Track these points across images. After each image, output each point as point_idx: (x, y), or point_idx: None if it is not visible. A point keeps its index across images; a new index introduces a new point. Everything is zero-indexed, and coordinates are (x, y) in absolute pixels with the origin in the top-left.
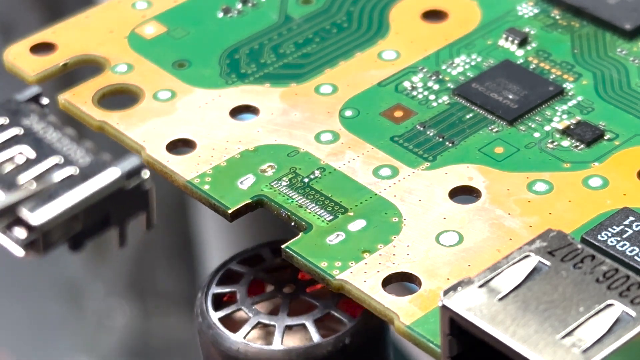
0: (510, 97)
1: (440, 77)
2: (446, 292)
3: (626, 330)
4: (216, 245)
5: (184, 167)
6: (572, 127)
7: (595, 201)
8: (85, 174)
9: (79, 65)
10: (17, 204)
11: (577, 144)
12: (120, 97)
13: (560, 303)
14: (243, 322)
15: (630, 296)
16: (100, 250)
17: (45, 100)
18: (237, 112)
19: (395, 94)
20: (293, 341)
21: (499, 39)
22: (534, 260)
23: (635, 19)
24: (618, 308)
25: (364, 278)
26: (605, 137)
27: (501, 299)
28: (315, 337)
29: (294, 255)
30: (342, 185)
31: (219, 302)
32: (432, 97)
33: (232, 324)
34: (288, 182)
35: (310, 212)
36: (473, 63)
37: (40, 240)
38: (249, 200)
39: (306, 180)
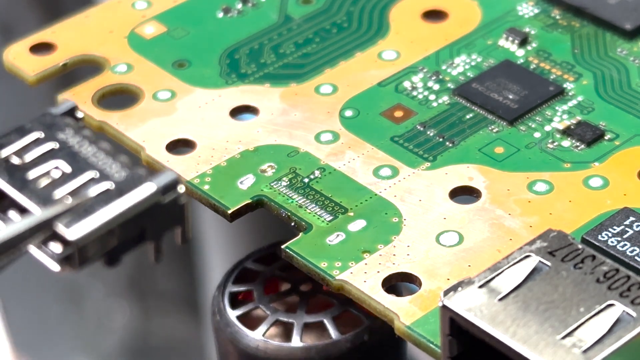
0: (511, 97)
1: (441, 77)
2: (446, 293)
3: (627, 330)
4: (216, 245)
5: (184, 167)
6: (572, 127)
7: (596, 201)
8: (121, 189)
9: (78, 65)
10: (53, 219)
11: (578, 144)
12: (120, 97)
13: (560, 303)
14: (261, 320)
15: (630, 296)
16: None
17: (80, 114)
18: (237, 112)
19: (395, 94)
20: (310, 338)
21: (499, 39)
22: (534, 260)
23: (635, 19)
24: (618, 308)
25: (364, 278)
26: (606, 137)
27: (501, 299)
28: (334, 334)
29: (294, 255)
30: (342, 185)
31: (234, 300)
32: (432, 97)
33: (249, 321)
34: (288, 182)
35: (310, 212)
36: (473, 63)
37: (76, 255)
38: (249, 201)
39: (306, 180)
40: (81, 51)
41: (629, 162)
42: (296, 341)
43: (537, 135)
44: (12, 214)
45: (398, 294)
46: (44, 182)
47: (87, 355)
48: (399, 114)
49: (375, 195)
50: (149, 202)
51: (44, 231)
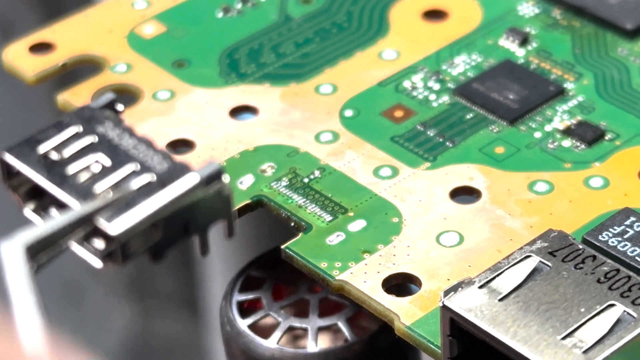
0: (511, 97)
1: (441, 77)
2: (447, 293)
3: (627, 331)
4: (216, 245)
5: None
6: (572, 127)
7: (596, 201)
8: (163, 181)
9: (78, 64)
10: (94, 214)
11: (578, 144)
12: (119, 97)
13: (561, 303)
14: (273, 327)
15: (631, 297)
16: None
17: (120, 107)
18: (237, 112)
19: (395, 94)
20: (324, 342)
21: (499, 39)
22: (534, 260)
23: (636, 19)
24: (619, 308)
25: (364, 279)
26: (606, 137)
27: (502, 299)
28: (349, 336)
29: (294, 255)
30: (342, 185)
31: (241, 309)
32: (432, 97)
33: (260, 330)
34: (288, 182)
35: (310, 213)
36: (474, 63)
37: (119, 250)
38: (249, 201)
39: (306, 180)
40: (81, 51)
41: (630, 162)
42: (312, 346)
43: (537, 135)
44: (53, 211)
45: (407, 292)
46: (83, 176)
47: (87, 354)
48: (399, 113)
49: (375, 195)
50: (193, 194)
51: (85, 226)
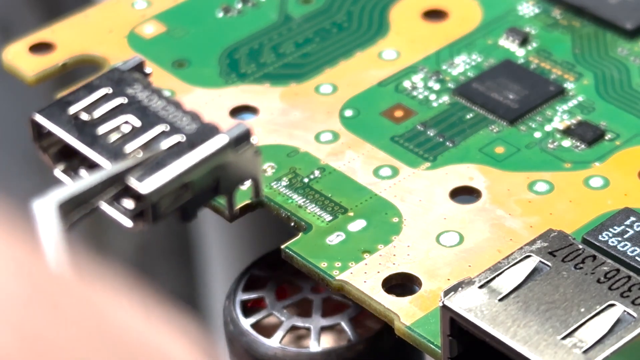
0: (511, 97)
1: (441, 76)
2: (447, 293)
3: (627, 331)
4: (216, 245)
5: None
6: (572, 127)
7: (596, 201)
8: (193, 142)
9: (78, 64)
10: (125, 173)
11: (578, 143)
12: None
13: (561, 303)
14: (275, 326)
15: (631, 297)
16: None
17: (148, 69)
18: (237, 112)
19: (395, 94)
20: (327, 342)
21: (499, 39)
22: (534, 260)
23: (636, 19)
24: (619, 308)
25: (364, 279)
26: (606, 137)
27: (502, 299)
28: (353, 336)
29: (294, 255)
30: (342, 185)
31: (244, 308)
32: (432, 97)
33: (262, 329)
34: (288, 182)
35: (310, 213)
36: (473, 63)
37: (150, 210)
38: (249, 201)
39: (306, 180)
40: (81, 51)
41: (630, 162)
42: (314, 346)
43: (537, 135)
44: (83, 172)
45: (408, 291)
46: (114, 137)
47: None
48: (399, 113)
49: (375, 195)
50: (222, 154)
51: (116, 186)
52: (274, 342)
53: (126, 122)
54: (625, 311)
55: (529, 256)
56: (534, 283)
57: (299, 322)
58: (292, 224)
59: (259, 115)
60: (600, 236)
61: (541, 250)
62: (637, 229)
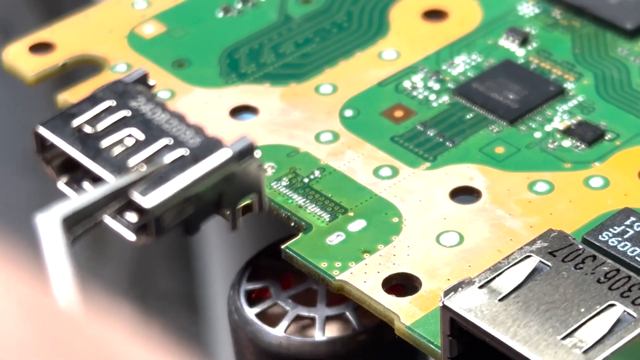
0: (511, 97)
1: (441, 76)
2: (447, 293)
3: (627, 331)
4: (216, 245)
5: None
6: (573, 127)
7: (596, 201)
8: (196, 155)
9: (78, 64)
10: (128, 187)
11: (578, 144)
12: None
13: (561, 304)
14: (280, 316)
15: (631, 297)
16: (99, 248)
17: (152, 82)
18: (237, 111)
19: (395, 94)
20: (332, 331)
21: (499, 39)
22: (534, 260)
23: (636, 19)
24: (619, 309)
25: (364, 279)
26: (606, 137)
27: (502, 299)
28: (357, 325)
29: (294, 255)
30: (342, 185)
31: (249, 298)
32: (432, 97)
33: (267, 319)
34: (288, 182)
35: (310, 213)
36: (473, 63)
37: (152, 224)
38: (249, 201)
39: (306, 180)
40: (81, 51)
41: (630, 162)
42: (319, 335)
43: (537, 135)
44: (86, 184)
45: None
46: (117, 150)
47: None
48: (399, 113)
49: (375, 195)
50: (225, 168)
51: (119, 200)
52: (279, 331)
53: (130, 135)
54: (625, 311)
55: (529, 256)
56: (534, 283)
57: (304, 312)
58: (292, 224)
59: (259, 115)
60: (600, 236)
61: (541, 250)
62: (637, 229)
